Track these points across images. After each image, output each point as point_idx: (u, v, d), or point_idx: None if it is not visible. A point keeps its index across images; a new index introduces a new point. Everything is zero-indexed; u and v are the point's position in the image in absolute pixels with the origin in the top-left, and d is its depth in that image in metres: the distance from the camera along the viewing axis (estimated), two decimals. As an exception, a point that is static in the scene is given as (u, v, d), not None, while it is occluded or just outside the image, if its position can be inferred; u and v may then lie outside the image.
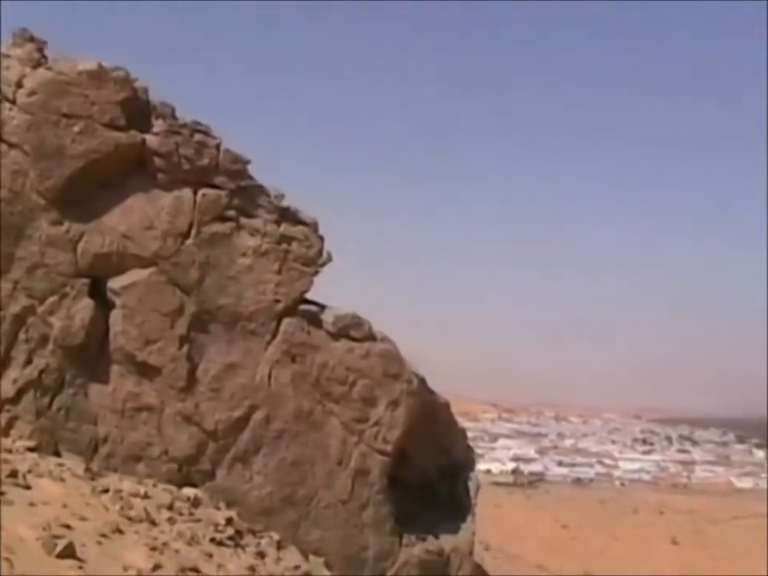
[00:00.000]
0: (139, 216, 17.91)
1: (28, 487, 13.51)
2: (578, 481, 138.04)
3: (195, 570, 13.27)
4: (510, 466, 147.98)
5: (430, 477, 20.79)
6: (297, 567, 16.63)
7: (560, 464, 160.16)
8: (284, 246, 18.51)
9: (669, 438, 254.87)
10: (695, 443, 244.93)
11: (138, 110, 18.12)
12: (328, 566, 17.84)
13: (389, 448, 18.91)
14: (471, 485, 21.36)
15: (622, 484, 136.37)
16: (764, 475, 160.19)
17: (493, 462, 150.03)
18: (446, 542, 19.89)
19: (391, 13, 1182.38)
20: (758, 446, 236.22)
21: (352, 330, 18.95)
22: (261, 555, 16.18)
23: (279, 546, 17.24)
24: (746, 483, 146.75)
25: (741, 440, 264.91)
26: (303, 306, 18.79)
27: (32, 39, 18.30)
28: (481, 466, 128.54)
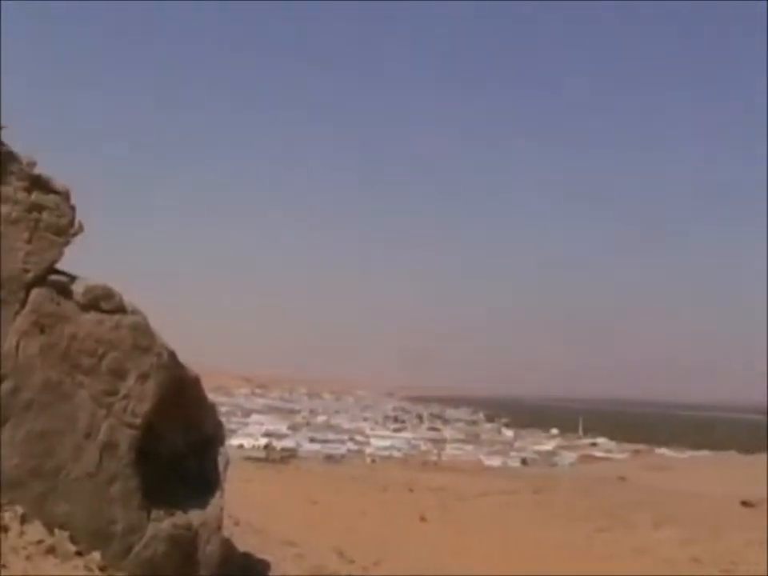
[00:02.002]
0: None
1: None
2: (329, 457, 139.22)
3: (-67, 544, 13.00)
4: (263, 441, 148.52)
5: (179, 451, 20.72)
6: (40, 541, 16.35)
7: (312, 440, 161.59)
8: (34, 214, 18.11)
9: (420, 416, 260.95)
10: (446, 421, 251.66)
11: None
12: (74, 540, 17.52)
13: (138, 421, 18.76)
14: (221, 460, 21.41)
15: (373, 461, 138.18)
16: (513, 453, 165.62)
17: (245, 437, 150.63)
18: (195, 516, 19.88)
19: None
20: (507, 425, 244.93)
21: (102, 301, 18.68)
22: (4, 529, 15.85)
23: (23, 519, 16.85)
24: (494, 461, 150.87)
25: (490, 419, 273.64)
26: (53, 276, 18.42)
27: None
28: (233, 441, 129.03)
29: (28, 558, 15.25)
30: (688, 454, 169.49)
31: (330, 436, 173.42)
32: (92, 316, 18.62)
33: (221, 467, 21.30)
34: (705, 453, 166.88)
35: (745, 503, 74.39)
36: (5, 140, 18.47)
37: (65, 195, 18.60)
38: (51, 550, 16.23)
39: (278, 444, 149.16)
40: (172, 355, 19.75)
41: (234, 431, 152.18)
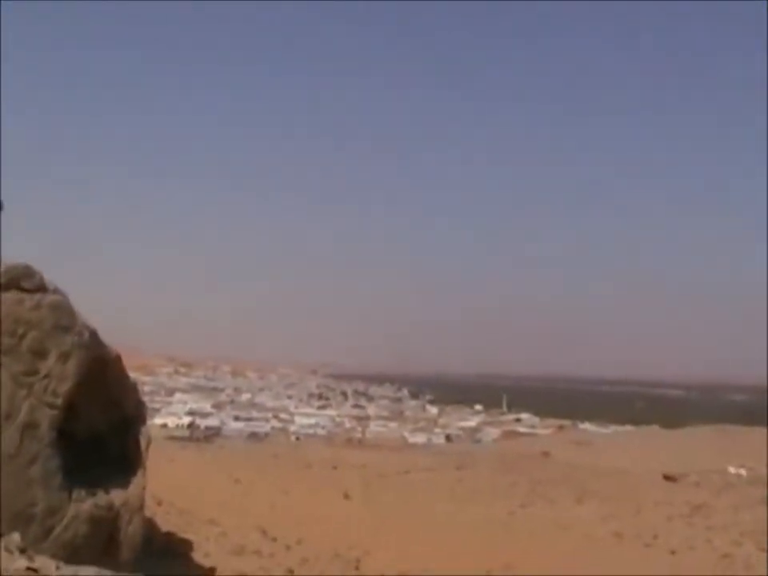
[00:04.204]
0: None
1: None
2: (253, 435, 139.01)
3: None
4: (187, 420, 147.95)
5: (100, 431, 20.56)
6: (-42, 524, 16.17)
7: (236, 419, 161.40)
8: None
9: (344, 394, 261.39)
10: (370, 399, 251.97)
11: None
12: (-7, 522, 17.36)
13: (58, 401, 18.55)
14: (142, 439, 21.27)
15: (297, 439, 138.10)
16: (437, 430, 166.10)
17: (169, 416, 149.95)
18: (116, 496, 19.74)
19: None
20: (432, 402, 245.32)
21: (22, 280, 18.45)
22: None
23: (-59, 502, 16.70)
24: (418, 438, 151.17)
25: (415, 396, 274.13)
26: (-28, 257, 18.19)
27: None
28: (157, 420, 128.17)
29: (-54, 540, 15.01)
30: (611, 428, 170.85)
31: (254, 414, 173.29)
32: (12, 295, 18.34)
33: (142, 447, 21.16)
34: (628, 428, 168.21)
35: (667, 477, 75.20)
36: None
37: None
38: (-30, 532, 16.01)
39: (202, 423, 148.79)
40: (93, 334, 19.56)
41: (157, 410, 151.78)
